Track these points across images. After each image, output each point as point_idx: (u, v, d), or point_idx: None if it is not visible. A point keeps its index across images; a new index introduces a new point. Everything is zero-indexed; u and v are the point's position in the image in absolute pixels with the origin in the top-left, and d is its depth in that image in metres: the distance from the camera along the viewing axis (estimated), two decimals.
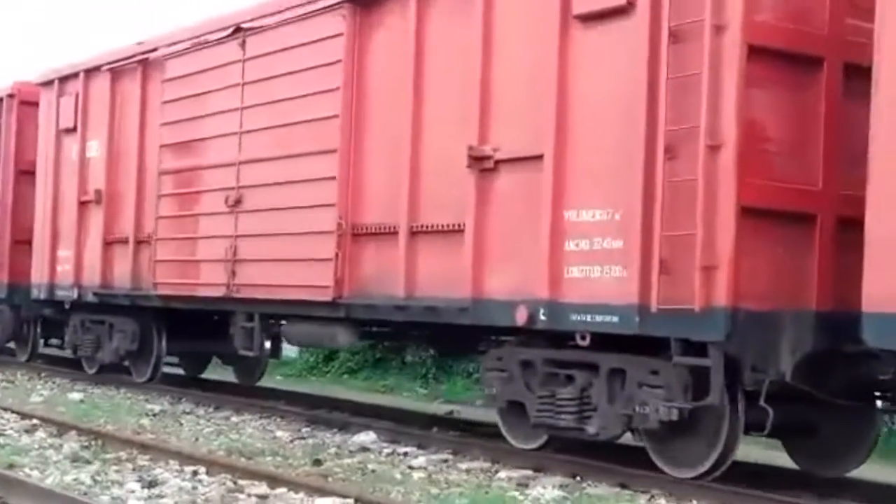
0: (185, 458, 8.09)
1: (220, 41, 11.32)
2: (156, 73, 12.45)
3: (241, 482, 7.31)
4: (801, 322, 7.21)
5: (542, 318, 7.92)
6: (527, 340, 8.54)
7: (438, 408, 12.84)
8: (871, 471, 8.24)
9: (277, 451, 8.90)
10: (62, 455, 8.32)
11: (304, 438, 9.80)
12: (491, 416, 11.73)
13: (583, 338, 7.78)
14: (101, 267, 13.31)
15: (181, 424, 10.54)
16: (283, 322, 10.90)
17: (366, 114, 9.69)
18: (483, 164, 8.47)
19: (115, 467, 7.85)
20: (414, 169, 9.11)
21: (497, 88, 8.47)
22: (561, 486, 7.68)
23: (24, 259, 15.31)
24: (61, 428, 9.64)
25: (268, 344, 12.03)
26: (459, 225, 8.67)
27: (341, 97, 9.74)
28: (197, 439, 9.59)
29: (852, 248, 6.71)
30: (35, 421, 10.06)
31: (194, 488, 7.18)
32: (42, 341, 16.68)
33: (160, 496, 6.91)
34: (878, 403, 7.95)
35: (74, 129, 13.99)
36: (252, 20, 10.87)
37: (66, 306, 14.21)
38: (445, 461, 8.70)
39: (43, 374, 15.17)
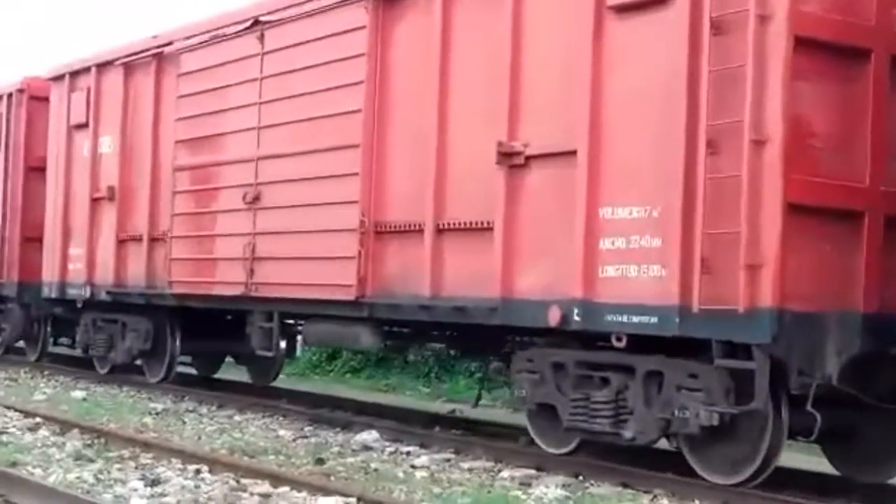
0: (188, 457, 8.08)
1: (237, 34, 11.07)
2: (171, 67, 12.21)
3: (243, 481, 7.30)
4: (848, 324, 6.98)
5: (576, 318, 7.67)
6: (557, 341, 8.30)
7: (441, 407, 12.81)
8: None
9: (280, 449, 8.88)
10: (65, 453, 8.30)
11: (306, 437, 9.76)
12: (493, 415, 12.10)
13: (618, 339, 7.54)
14: (114, 265, 13.06)
15: (184, 423, 10.50)
16: (302, 322, 10.66)
17: (389, 108, 9.44)
18: (513, 160, 8.22)
19: (117, 466, 7.83)
20: (440, 165, 8.86)
21: (527, 82, 8.22)
22: (563, 486, 7.61)
23: (35, 257, 15.08)
24: (64, 426, 9.60)
25: (283, 343, 11.85)
26: (488, 222, 8.43)
27: (364, 91, 9.49)
28: (200, 438, 9.55)
29: None
30: (38, 419, 10.03)
31: (197, 487, 7.17)
32: (51, 340, 16.48)
33: (163, 495, 6.89)
34: None
35: (86, 125, 13.75)
36: (271, 13, 10.62)
37: (78, 305, 13.96)
38: (448, 460, 8.67)
39: (46, 373, 15.08)
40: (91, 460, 8.03)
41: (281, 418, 10.89)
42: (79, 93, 13.94)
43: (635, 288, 7.35)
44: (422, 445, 9.29)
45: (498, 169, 8.28)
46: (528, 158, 8.17)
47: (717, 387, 7.07)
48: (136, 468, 7.78)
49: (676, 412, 7.26)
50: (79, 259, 13.80)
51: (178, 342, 12.97)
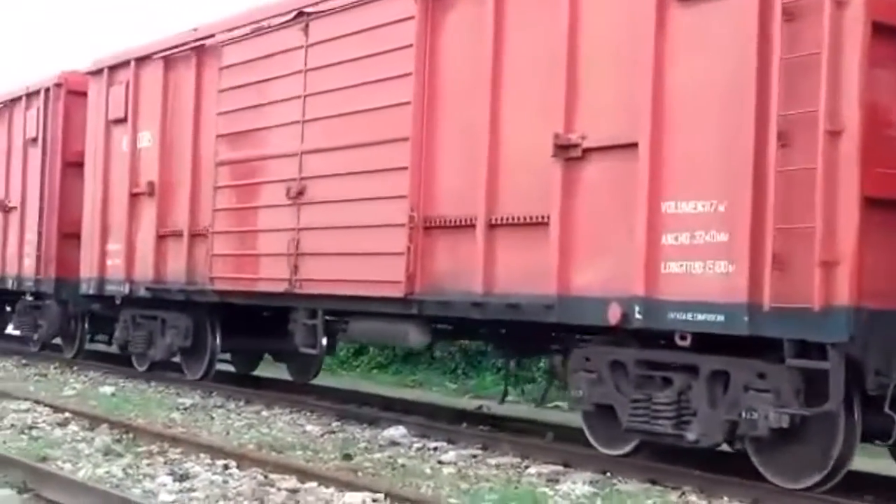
0: (217, 452, 8.10)
1: (281, 26, 10.86)
2: (212, 60, 12.02)
3: (271, 476, 7.32)
4: None
5: (638, 316, 7.42)
6: (615, 339, 8.05)
7: (468, 403, 12.77)
8: None
9: (307, 445, 8.87)
10: (94, 448, 8.34)
11: (334, 433, 9.73)
12: (519, 411, 11.98)
13: (682, 338, 7.28)
14: (153, 261, 12.90)
15: (212, 418, 10.49)
16: (347, 319, 10.44)
17: (439, 100, 9.21)
18: (569, 153, 7.98)
19: (146, 461, 7.87)
20: (492, 158, 8.63)
21: (585, 72, 7.97)
22: (591, 482, 7.57)
23: (72, 253, 14.94)
24: (93, 421, 9.64)
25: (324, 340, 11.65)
26: (543, 217, 8.19)
27: (413, 83, 9.26)
28: (228, 433, 9.55)
29: None
30: (67, 414, 10.07)
31: (225, 482, 7.20)
32: (88, 338, 16.36)
33: (191, 490, 6.92)
34: None
35: (125, 120, 13.59)
36: (316, 4, 10.40)
37: (117, 302, 13.82)
38: (475, 456, 8.64)
39: (75, 368, 15.10)
40: (120, 455, 8.07)
41: (308, 414, 10.89)
42: (117, 87, 13.79)
43: (700, 285, 7.09)
44: (449, 441, 9.29)
45: (554, 162, 8.03)
46: (585, 151, 7.92)
47: (787, 387, 6.81)
48: (165, 463, 7.82)
49: (744, 413, 7.00)
50: (117, 255, 13.65)
51: (218, 339, 12.81)
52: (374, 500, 6.57)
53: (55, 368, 15.22)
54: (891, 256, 6.66)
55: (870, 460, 8.02)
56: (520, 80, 8.49)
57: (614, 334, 7.99)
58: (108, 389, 12.68)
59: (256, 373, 14.46)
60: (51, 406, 10.62)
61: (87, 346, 16.31)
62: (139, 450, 8.34)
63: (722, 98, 7.06)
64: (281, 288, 10.65)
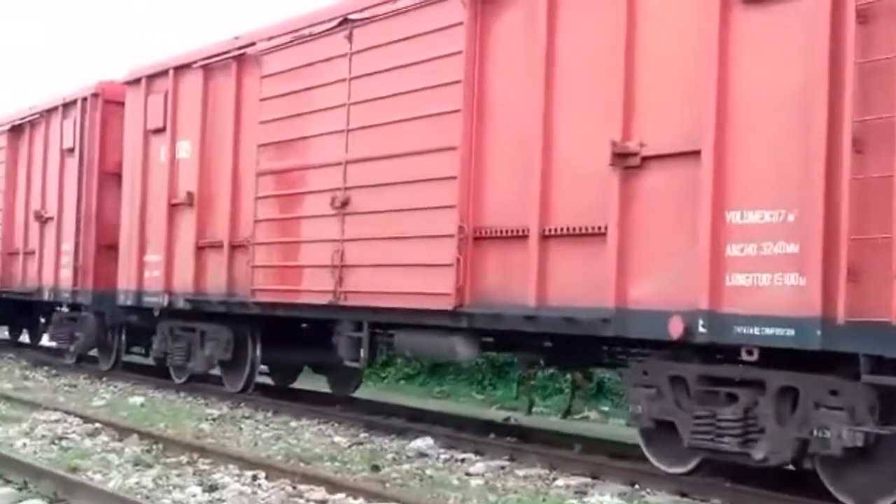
0: (245, 463, 8.13)
1: (324, 34, 10.68)
2: (253, 68, 11.85)
3: (300, 487, 7.33)
4: None
5: (701, 330, 7.15)
6: (674, 354, 7.79)
7: (495, 414, 12.75)
8: None
9: (335, 456, 8.88)
10: (124, 459, 8.38)
11: (361, 444, 9.74)
12: (547, 423, 12.02)
13: (749, 353, 7.01)
14: (193, 272, 12.74)
15: (241, 429, 10.50)
16: (392, 331, 10.21)
17: (489, 108, 9.00)
18: (628, 162, 7.73)
19: (175, 471, 7.90)
20: (545, 167, 8.40)
21: (643, 78, 7.72)
22: (619, 495, 7.54)
23: (110, 264, 14.81)
24: (123, 432, 9.68)
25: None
26: (599, 227, 7.94)
27: (462, 90, 9.05)
28: (256, 444, 9.55)
29: None
30: (97, 425, 10.09)
31: (254, 493, 7.23)
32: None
33: (221, 500, 6.96)
34: None
35: (163, 129, 13.46)
36: (361, 11, 10.21)
37: (155, 313, 13.67)
38: (503, 468, 8.64)
39: (104, 379, 15.10)
40: (149, 466, 8.09)
41: (336, 425, 10.86)
42: (156, 96, 13.66)
43: (769, 298, 6.82)
44: (476, 452, 9.29)
45: (611, 171, 7.79)
46: (644, 159, 7.67)
47: (861, 405, 6.54)
48: (194, 474, 7.83)
49: (815, 432, 6.72)
50: (156, 266, 13.50)
51: (258, 351, 12.63)
52: None
53: (85, 379, 15.29)
54: None
55: None
56: (574, 86, 8.26)
57: (673, 348, 7.74)
58: (137, 400, 12.71)
59: (307, 386, 14.29)
60: (81, 417, 10.63)
61: (123, 357, 16.24)
62: (168, 460, 8.37)
63: (791, 103, 6.80)
64: (325, 300, 10.44)
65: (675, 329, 7.31)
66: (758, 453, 7.08)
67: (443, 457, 9.09)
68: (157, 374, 15.04)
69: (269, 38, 11.53)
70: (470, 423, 11.08)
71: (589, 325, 8.00)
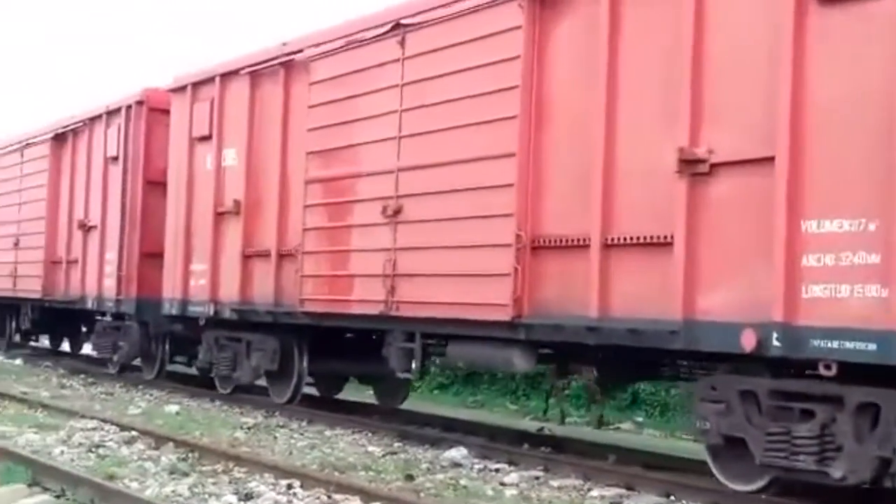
0: (280, 472, 8.15)
1: (375, 39, 10.49)
2: (301, 75, 11.68)
3: (334, 496, 7.37)
4: None
5: (776, 343, 6.87)
6: (741, 367, 7.51)
7: (528, 424, 12.70)
8: None
9: (370, 465, 8.90)
10: (160, 467, 8.44)
11: (395, 453, 9.74)
12: (581, 433, 11.96)
13: (827, 367, 6.73)
14: (239, 282, 12.57)
15: (275, 438, 10.53)
16: (445, 342, 9.98)
17: (548, 113, 8.77)
18: (696, 169, 7.47)
19: (211, 480, 7.94)
20: (608, 174, 8.15)
21: (712, 82, 7.46)
22: None
23: (153, 273, 14.68)
24: (159, 440, 9.74)
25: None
26: (665, 237, 7.69)
27: (520, 96, 8.83)
28: (291, 453, 9.57)
29: None
30: (134, 433, 10.16)
31: (289, 501, 7.28)
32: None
33: None
34: None
35: (209, 137, 13.31)
36: (414, 15, 10.01)
37: (201, 323, 13.52)
38: (537, 478, 8.62)
39: (140, 387, 15.11)
40: (185, 474, 8.13)
41: (370, 434, 10.87)
42: (201, 104, 13.52)
43: (848, 310, 6.53)
44: (510, 463, 9.28)
45: (678, 178, 7.53)
46: (713, 166, 7.41)
47: None
48: (230, 482, 7.86)
49: None
50: (201, 275, 13.35)
51: (305, 362, 12.44)
52: None
53: (121, 387, 15.24)
54: None
55: None
56: (638, 90, 8.02)
57: (741, 362, 7.47)
58: (173, 408, 12.74)
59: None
60: (117, 425, 10.66)
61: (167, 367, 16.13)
62: (204, 469, 8.39)
63: (872, 107, 6.51)
64: (376, 310, 10.24)
65: (748, 342, 7.04)
66: (836, 472, 6.79)
67: (477, 467, 9.08)
68: (200, 384, 14.95)
69: (318, 44, 11.36)
70: (503, 434, 11.05)
71: (655, 337, 7.74)
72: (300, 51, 11.67)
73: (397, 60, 10.20)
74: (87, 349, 20.49)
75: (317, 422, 11.62)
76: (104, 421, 10.93)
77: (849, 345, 6.53)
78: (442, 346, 9.98)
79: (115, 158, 15.73)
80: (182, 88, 13.98)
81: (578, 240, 8.39)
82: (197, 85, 13.68)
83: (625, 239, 8.03)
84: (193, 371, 16.09)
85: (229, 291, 12.76)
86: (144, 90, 15.39)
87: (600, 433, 12.29)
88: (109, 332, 16.24)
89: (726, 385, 7.53)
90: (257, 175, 12.47)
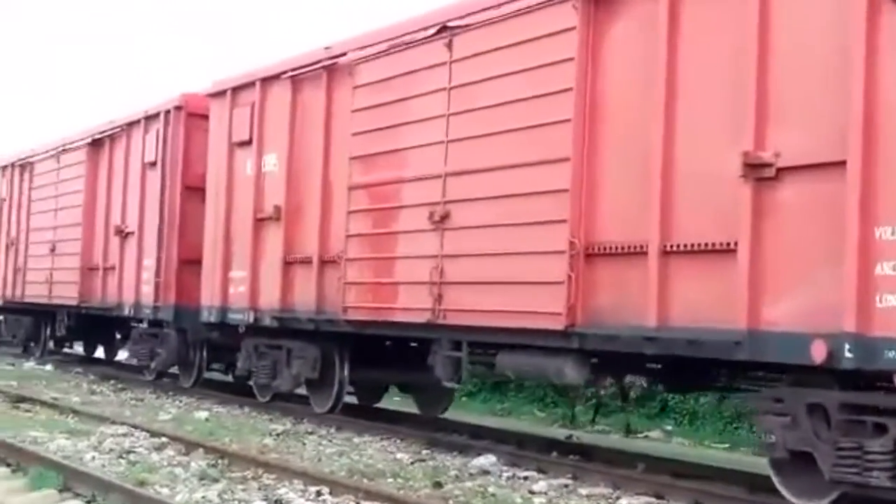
0: (309, 478, 8.15)
1: (422, 42, 10.29)
2: (344, 79, 11.48)
3: (364, 503, 7.42)
4: None
5: (848, 355, 6.59)
6: (807, 379, 7.24)
7: (557, 432, 12.72)
8: None
9: (398, 472, 8.92)
10: (190, 473, 8.45)
11: (424, 461, 9.76)
12: (609, 441, 11.93)
13: None
14: (280, 289, 12.38)
15: (304, 444, 10.53)
16: (493, 351, 9.74)
17: (602, 117, 8.53)
18: (761, 173, 7.21)
19: (241, 486, 7.98)
20: (666, 179, 7.90)
21: (778, 83, 7.20)
22: None
23: (191, 280, 14.55)
24: (189, 446, 9.78)
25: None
26: (728, 244, 7.43)
27: (574, 99, 8.59)
28: (320, 459, 9.59)
29: None
30: (164, 439, 10.21)
31: None
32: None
33: None
34: None
35: (249, 142, 13.15)
36: (462, 17, 9.81)
37: (240, 330, 13.35)
38: (566, 486, 8.63)
39: (170, 393, 15.10)
40: (215, 480, 8.17)
41: (398, 441, 10.87)
42: (241, 109, 13.36)
43: None
44: (539, 471, 9.29)
45: (742, 183, 7.27)
46: (779, 170, 7.14)
47: None
48: (259, 489, 7.91)
49: None
50: (241, 282, 13.18)
51: (346, 371, 12.24)
52: None
53: (151, 393, 15.24)
54: None
55: None
56: (699, 92, 7.77)
57: (807, 373, 7.19)
58: (202, 414, 12.77)
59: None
60: (148, 431, 10.71)
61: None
62: (234, 475, 8.44)
63: None
64: (422, 318, 10.02)
65: (818, 353, 6.76)
66: None
67: (505, 474, 9.08)
68: (231, 390, 14.80)
69: (363, 48, 11.17)
70: (532, 441, 11.03)
71: (717, 347, 7.48)
72: (344, 54, 11.49)
73: (444, 63, 9.99)
74: (121, 356, 20.47)
75: (345, 428, 11.63)
76: (134, 427, 10.97)
77: None
78: (489, 354, 9.74)
79: (154, 164, 15.61)
80: (221, 93, 13.83)
81: (635, 247, 8.14)
82: (237, 89, 13.52)
83: (685, 246, 7.78)
84: (230, 379, 15.97)
85: (270, 299, 12.58)
86: (183, 95, 15.27)
87: (629, 441, 12.29)
88: (146, 339, 16.09)
89: (792, 397, 7.26)
90: (298, 180, 12.29)
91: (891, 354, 6.43)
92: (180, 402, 14.28)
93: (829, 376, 7.03)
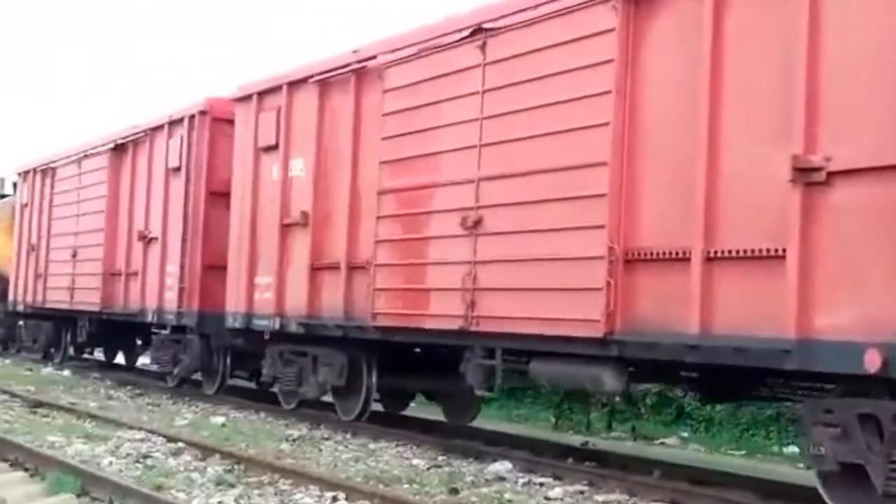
0: (325, 484, 8.17)
1: (455, 44, 10.12)
2: (374, 83, 11.32)
3: None
4: None
5: None
6: (857, 389, 7.03)
7: (572, 438, 12.72)
8: None
9: (414, 478, 8.92)
10: (206, 478, 8.47)
11: (440, 467, 9.76)
12: (625, 447, 11.86)
13: None
14: (307, 295, 12.21)
15: (320, 450, 10.54)
16: (526, 359, 9.55)
17: (642, 120, 8.34)
18: (811, 177, 7.00)
19: (257, 491, 8.00)
20: (710, 183, 7.70)
21: (829, 84, 6.99)
22: None
23: (215, 286, 14.41)
24: (205, 451, 9.80)
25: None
26: (776, 250, 7.23)
27: (612, 102, 8.41)
28: (335, 465, 9.60)
29: None
30: (181, 444, 10.23)
31: None
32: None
33: None
34: None
35: (276, 147, 12.99)
36: (496, 19, 9.63)
37: (266, 337, 13.19)
38: (582, 492, 8.64)
39: (186, 398, 15.08)
40: (232, 485, 8.19)
41: (414, 447, 10.86)
42: (267, 113, 13.22)
43: None
44: (555, 477, 9.29)
45: (792, 187, 7.07)
46: (830, 175, 6.95)
47: None
48: (276, 494, 7.93)
49: None
50: (267, 288, 13.02)
51: (374, 378, 12.07)
52: None
53: (167, 398, 15.24)
54: None
55: None
56: (744, 94, 7.56)
57: (856, 383, 6.98)
58: (218, 420, 12.77)
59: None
60: (164, 436, 10.73)
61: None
62: (250, 480, 8.46)
63: None
64: (455, 325, 9.84)
65: (872, 363, 6.56)
66: None
67: (521, 481, 9.05)
68: (254, 398, 14.66)
69: (393, 51, 11.01)
70: (548, 447, 11.03)
71: (764, 356, 7.27)
72: (373, 57, 11.33)
73: (478, 66, 9.82)
74: (141, 362, 20.37)
75: (361, 434, 11.60)
76: (151, 432, 10.99)
77: None
78: (522, 362, 9.56)
79: (177, 169, 15.49)
80: (247, 97, 13.69)
81: (677, 253, 7.95)
82: (263, 94, 13.38)
83: (729, 252, 7.57)
84: (253, 385, 15.82)
85: (296, 305, 12.42)
86: (208, 99, 15.14)
87: (645, 448, 12.25)
88: (169, 345, 15.96)
89: (843, 408, 7.05)
90: (326, 185, 12.13)
91: None
92: (197, 407, 14.28)
93: (882, 386, 6.83)
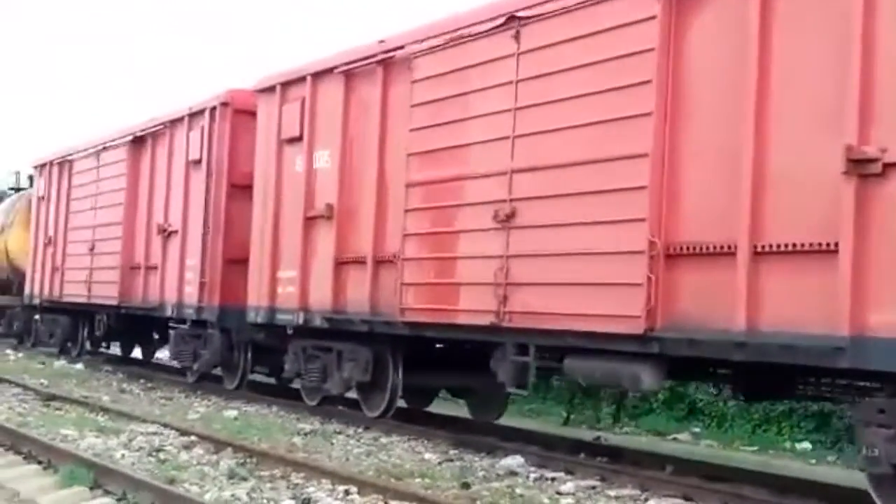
0: (337, 478, 8.16)
1: (486, 33, 9.88)
2: (402, 73, 11.09)
3: (391, 503, 7.43)
4: None
5: None
6: None
7: (584, 433, 12.68)
8: None
9: (426, 472, 8.91)
10: (219, 471, 8.49)
11: (451, 461, 9.76)
12: (637, 442, 11.78)
13: None
14: (331, 289, 11.99)
15: (332, 444, 10.54)
16: (561, 356, 9.31)
17: (685, 110, 8.09)
18: (866, 169, 6.76)
19: (269, 485, 8.03)
20: (757, 175, 7.45)
21: (885, 73, 6.75)
22: None
23: (237, 280, 14.18)
24: (218, 445, 9.80)
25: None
26: (827, 244, 6.98)
27: (654, 91, 8.16)
28: (347, 459, 9.62)
29: None
30: (193, 437, 10.23)
31: None
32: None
33: None
34: None
35: (300, 139, 12.77)
36: (531, 7, 9.38)
37: (289, 332, 12.98)
38: (594, 487, 8.61)
39: (199, 392, 15.02)
40: (244, 479, 8.21)
41: (426, 441, 10.83)
42: (291, 104, 12.99)
43: None
44: (567, 472, 9.27)
45: (844, 180, 6.83)
46: (886, 166, 6.70)
47: None
48: (288, 487, 7.96)
49: None
50: (290, 283, 12.80)
51: (400, 374, 11.85)
52: None
53: (179, 392, 15.21)
54: None
55: None
56: (794, 84, 7.31)
57: None
58: (231, 413, 12.75)
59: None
60: (177, 429, 10.75)
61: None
62: (262, 474, 8.46)
63: None
64: (486, 320, 9.61)
65: None
66: None
67: (533, 475, 9.03)
68: (281, 394, 14.46)
69: (422, 41, 10.77)
70: (560, 442, 11.01)
71: (815, 354, 7.03)
72: (401, 47, 11.10)
73: (511, 55, 9.58)
74: (159, 357, 20.20)
75: (373, 428, 11.58)
76: (164, 425, 11.01)
77: None
78: (556, 359, 9.32)
79: (198, 162, 15.28)
80: (270, 89, 13.47)
81: (722, 247, 7.71)
82: (286, 85, 13.16)
83: (778, 247, 7.33)
84: (273, 381, 15.61)
85: (320, 299, 12.20)
86: (229, 91, 14.92)
87: (657, 443, 12.19)
88: (188, 340, 15.75)
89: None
90: (352, 178, 11.91)
91: None
92: (209, 401, 14.20)
93: None
